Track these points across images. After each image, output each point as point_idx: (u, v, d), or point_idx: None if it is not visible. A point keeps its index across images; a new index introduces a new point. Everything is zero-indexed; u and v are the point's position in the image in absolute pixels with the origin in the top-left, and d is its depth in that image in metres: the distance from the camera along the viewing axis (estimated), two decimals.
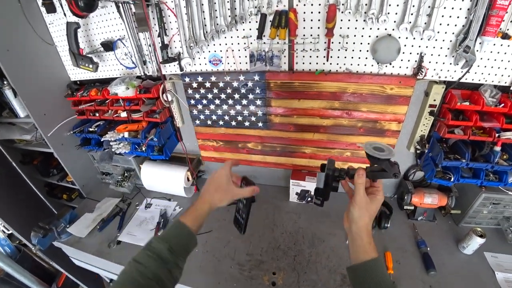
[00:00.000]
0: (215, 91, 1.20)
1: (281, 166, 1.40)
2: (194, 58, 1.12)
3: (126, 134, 1.31)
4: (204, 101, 1.25)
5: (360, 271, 0.57)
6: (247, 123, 1.27)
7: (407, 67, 0.95)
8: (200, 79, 1.18)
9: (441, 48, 0.88)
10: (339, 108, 1.11)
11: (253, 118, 1.25)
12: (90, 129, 1.41)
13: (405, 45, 0.90)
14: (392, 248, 1.13)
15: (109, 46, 1.18)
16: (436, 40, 0.86)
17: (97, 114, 1.39)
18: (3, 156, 1.47)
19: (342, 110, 1.11)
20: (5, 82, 1.20)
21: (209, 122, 1.33)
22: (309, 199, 1.38)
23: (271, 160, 1.39)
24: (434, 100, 0.98)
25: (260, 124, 1.26)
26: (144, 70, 1.19)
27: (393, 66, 0.96)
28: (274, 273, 1.09)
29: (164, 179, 1.45)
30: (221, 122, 1.31)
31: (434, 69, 0.92)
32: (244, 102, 1.20)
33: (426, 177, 1.12)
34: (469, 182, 1.03)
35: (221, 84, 1.17)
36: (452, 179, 1.04)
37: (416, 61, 0.92)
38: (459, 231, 1.18)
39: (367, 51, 0.94)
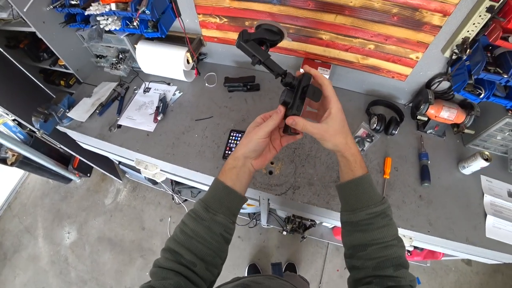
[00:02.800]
0: None
1: (292, 52, 1.24)
2: None
3: (113, 6, 1.11)
4: None
5: (346, 188, 0.57)
6: None
7: None
8: None
9: None
10: None
11: None
12: (72, 2, 1.20)
13: None
14: (394, 155, 1.12)
15: None
16: None
17: None
18: None
19: None
20: None
21: None
22: None
23: (281, 45, 1.18)
24: None
25: None
26: None
27: None
28: (272, 162, 1.12)
29: (161, 61, 1.33)
30: None
31: None
32: None
33: (454, 88, 0.98)
34: (499, 102, 0.90)
35: None
36: (482, 96, 0.90)
37: None
38: (464, 152, 1.15)
39: None
